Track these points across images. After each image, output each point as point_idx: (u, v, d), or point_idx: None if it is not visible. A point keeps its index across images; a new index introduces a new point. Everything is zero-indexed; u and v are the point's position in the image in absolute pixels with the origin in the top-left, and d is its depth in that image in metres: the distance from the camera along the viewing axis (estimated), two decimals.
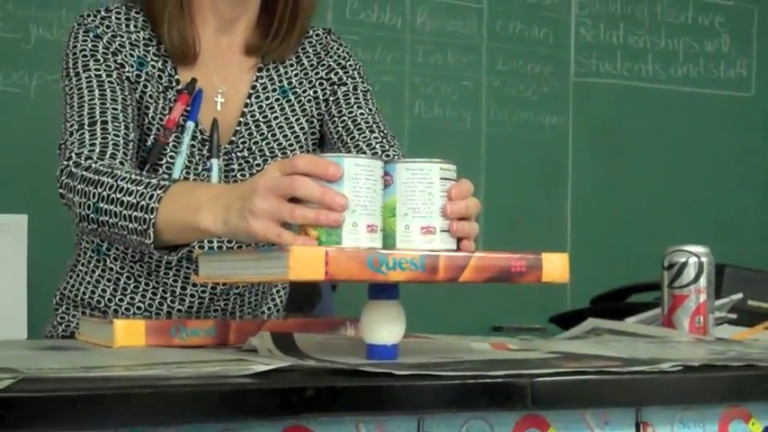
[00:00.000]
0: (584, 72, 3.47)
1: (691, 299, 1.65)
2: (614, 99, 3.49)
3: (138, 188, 1.38)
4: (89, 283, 1.71)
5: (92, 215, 1.45)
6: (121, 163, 1.53)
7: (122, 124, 1.57)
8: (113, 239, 1.48)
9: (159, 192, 1.36)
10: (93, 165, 1.49)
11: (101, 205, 1.43)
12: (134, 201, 1.38)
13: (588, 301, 2.28)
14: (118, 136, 1.55)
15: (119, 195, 1.40)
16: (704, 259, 1.66)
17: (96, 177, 1.45)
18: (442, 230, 1.18)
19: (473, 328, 1.94)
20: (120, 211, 1.40)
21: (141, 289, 1.68)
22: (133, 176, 1.42)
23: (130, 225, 1.38)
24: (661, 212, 3.45)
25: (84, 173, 1.48)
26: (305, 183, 1.13)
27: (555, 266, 1.18)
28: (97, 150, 1.53)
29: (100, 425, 0.90)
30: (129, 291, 1.68)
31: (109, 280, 1.69)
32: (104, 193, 1.43)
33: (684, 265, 1.66)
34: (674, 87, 3.58)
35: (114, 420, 0.90)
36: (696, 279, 1.65)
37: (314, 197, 1.12)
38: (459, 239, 1.20)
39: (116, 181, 1.42)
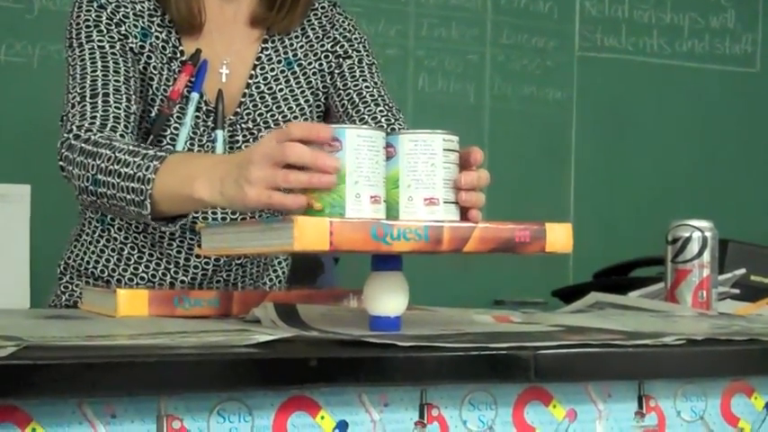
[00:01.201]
0: (589, 46, 3.46)
1: (694, 273, 1.65)
2: (619, 74, 3.48)
3: (136, 159, 1.38)
4: (93, 252, 1.71)
5: (90, 187, 1.45)
6: (122, 135, 1.53)
7: (124, 96, 1.56)
8: (112, 212, 1.48)
9: (156, 162, 1.36)
10: (92, 137, 1.49)
11: (99, 177, 1.43)
12: (131, 172, 1.38)
13: (591, 276, 2.28)
14: (119, 108, 1.55)
15: (116, 167, 1.40)
16: (708, 234, 1.66)
17: (95, 149, 1.45)
18: (445, 201, 1.18)
19: (475, 302, 1.94)
20: (118, 183, 1.40)
21: (145, 259, 1.68)
22: (131, 148, 1.41)
23: (128, 196, 1.38)
24: (665, 187, 3.44)
25: (82, 145, 1.48)
26: (296, 148, 1.13)
27: (558, 236, 1.18)
28: (98, 123, 1.52)
29: (103, 393, 0.90)
30: (132, 261, 1.68)
31: (113, 250, 1.69)
32: (102, 165, 1.42)
33: (688, 239, 1.65)
34: (678, 63, 3.57)
35: (117, 389, 0.90)
36: (700, 254, 1.65)
37: (306, 162, 1.13)
38: (465, 209, 1.20)
39: (114, 152, 1.42)
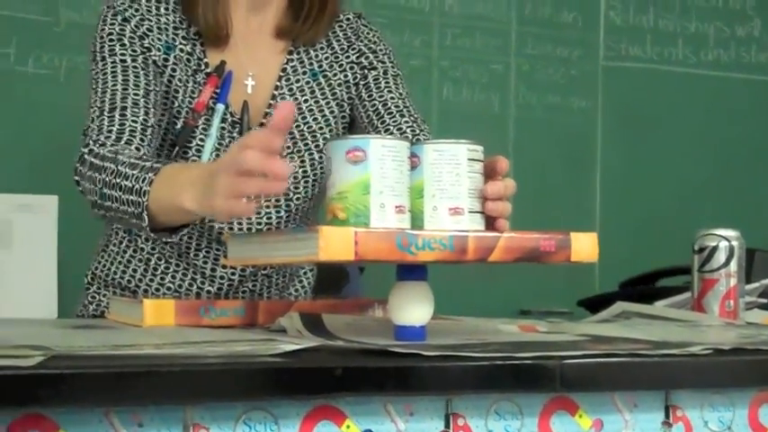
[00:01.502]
0: (614, 56, 3.45)
1: (721, 283, 1.64)
2: (644, 83, 3.46)
3: (134, 172, 1.40)
4: (120, 263, 1.72)
5: (98, 201, 1.47)
6: (137, 149, 1.54)
7: (142, 110, 1.57)
8: (122, 225, 1.49)
9: (150, 174, 1.38)
10: (102, 151, 1.50)
11: (105, 191, 1.45)
12: (130, 185, 1.40)
13: (617, 285, 2.27)
14: (136, 122, 1.56)
15: (118, 180, 1.42)
16: (735, 243, 1.65)
17: (101, 163, 1.47)
18: (470, 211, 1.18)
19: (500, 312, 1.94)
20: (120, 196, 1.42)
21: (172, 270, 1.69)
22: (132, 161, 1.43)
23: (129, 209, 1.40)
24: (691, 196, 3.42)
25: (92, 159, 1.50)
26: (250, 155, 1.14)
27: (584, 246, 1.18)
28: (113, 137, 1.54)
29: (129, 402, 0.91)
30: (159, 271, 1.69)
31: (140, 260, 1.70)
32: (107, 179, 1.44)
33: (715, 249, 1.65)
34: (704, 72, 3.55)
35: (143, 398, 0.91)
36: (727, 263, 1.64)
37: (258, 168, 1.14)
38: (492, 219, 1.20)
39: (117, 166, 1.44)
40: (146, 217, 1.38)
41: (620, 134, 3.42)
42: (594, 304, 2.05)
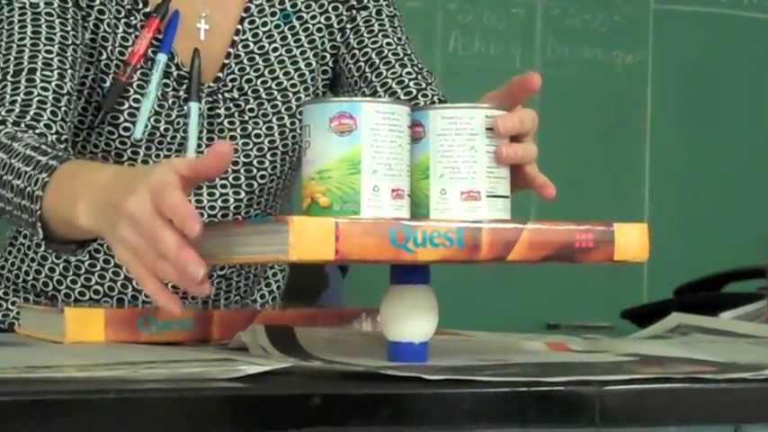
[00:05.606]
0: None
1: None
2: (707, 32, 3.47)
3: (28, 169, 1.40)
4: (33, 260, 1.72)
5: None
6: (48, 124, 1.54)
7: (56, 72, 1.57)
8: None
9: (44, 175, 1.37)
10: None
11: None
12: (22, 186, 1.40)
13: (671, 292, 2.29)
14: (47, 89, 1.56)
15: (10, 178, 1.42)
16: None
17: None
18: (488, 195, 1.18)
19: (522, 326, 1.95)
20: (12, 198, 1.42)
21: (99, 268, 1.69)
22: (29, 152, 1.42)
23: (22, 215, 1.41)
24: (765, 178, 3.43)
25: None
26: (165, 237, 1.10)
27: (630, 241, 1.18)
28: (17, 109, 1.54)
29: None
30: (83, 270, 1.70)
31: (58, 257, 1.70)
32: None
33: None
34: None
35: None
36: None
37: (169, 257, 1.11)
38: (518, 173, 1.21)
39: (10, 158, 1.44)
40: (40, 230, 1.38)
41: (677, 98, 3.43)
42: (643, 316, 2.06)
